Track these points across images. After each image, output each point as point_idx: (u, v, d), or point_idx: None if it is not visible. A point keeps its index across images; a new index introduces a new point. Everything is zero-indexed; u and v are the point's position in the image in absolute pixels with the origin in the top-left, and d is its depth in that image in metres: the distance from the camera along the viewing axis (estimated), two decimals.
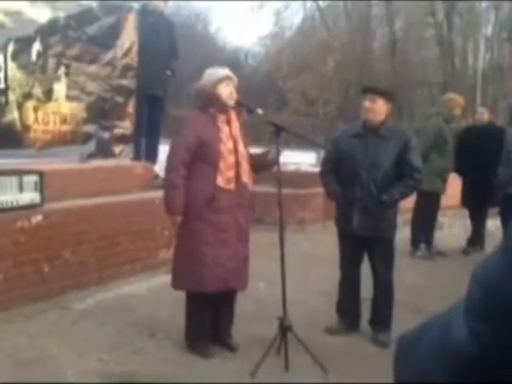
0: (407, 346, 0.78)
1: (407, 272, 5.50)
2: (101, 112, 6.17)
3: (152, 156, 6.93)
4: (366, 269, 4.32)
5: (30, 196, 4.47)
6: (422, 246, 6.81)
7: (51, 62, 5.51)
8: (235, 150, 3.70)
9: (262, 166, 3.92)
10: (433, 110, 7.46)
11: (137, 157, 6.78)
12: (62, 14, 5.56)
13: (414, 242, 6.88)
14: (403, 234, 6.51)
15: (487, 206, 7.05)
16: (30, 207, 4.46)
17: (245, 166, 3.74)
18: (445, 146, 6.63)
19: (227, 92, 3.72)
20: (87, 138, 6.05)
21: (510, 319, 0.64)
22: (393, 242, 4.23)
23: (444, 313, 0.75)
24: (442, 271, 6.14)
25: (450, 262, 6.65)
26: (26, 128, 5.32)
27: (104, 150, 6.24)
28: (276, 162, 3.80)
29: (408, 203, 6.23)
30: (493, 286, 0.67)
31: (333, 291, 4.42)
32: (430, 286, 5.55)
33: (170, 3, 7.67)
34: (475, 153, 6.65)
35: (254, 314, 4.44)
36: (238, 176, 3.70)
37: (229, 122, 3.74)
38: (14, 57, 5.09)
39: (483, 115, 7.11)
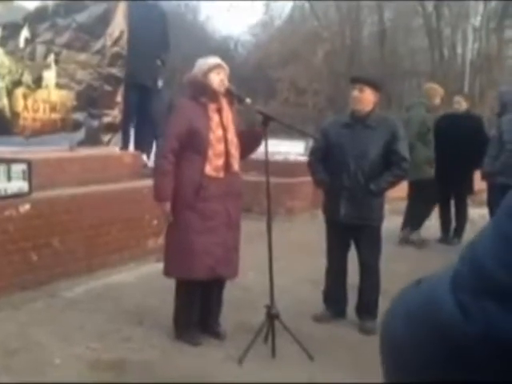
0: (392, 322, 0.78)
1: (395, 261, 5.54)
2: (90, 100, 6.15)
3: (141, 145, 6.92)
4: (353, 257, 4.36)
5: (18, 185, 4.46)
6: (417, 231, 6.89)
7: (40, 49, 5.48)
8: (225, 138, 3.71)
9: (253, 141, 3.89)
10: (414, 100, 7.50)
11: (125, 146, 6.77)
12: (50, 2, 5.52)
13: (407, 226, 6.92)
14: (391, 224, 6.56)
15: (465, 194, 7.14)
16: (18, 196, 4.46)
17: (234, 155, 3.76)
18: (428, 134, 6.68)
19: (218, 80, 3.73)
20: (77, 125, 6.03)
21: (497, 294, 0.65)
22: (380, 230, 4.27)
23: (426, 283, 0.75)
24: (431, 260, 6.19)
25: (438, 250, 6.71)
26: (16, 115, 5.29)
27: (92, 138, 6.23)
28: (264, 133, 3.79)
29: (396, 192, 6.27)
30: (481, 260, 0.68)
31: (320, 279, 4.45)
32: (417, 274, 5.58)
33: None
34: (450, 141, 6.68)
35: (242, 301, 4.48)
36: (227, 164, 3.72)
37: (220, 111, 3.75)
38: (2, 43, 5.06)
39: (460, 104, 7.14)
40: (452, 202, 7.30)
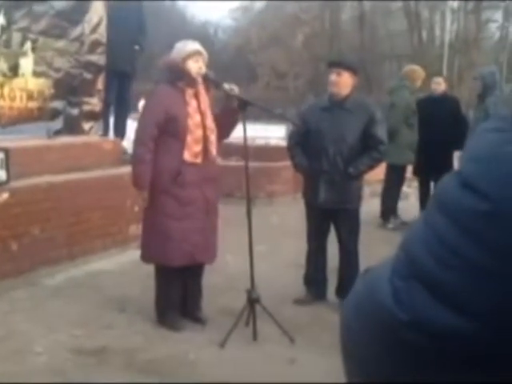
0: (345, 307, 0.81)
1: (375, 243, 5.60)
2: (69, 88, 6.09)
3: (120, 131, 6.90)
4: (332, 240, 4.40)
5: None
6: (392, 218, 6.95)
7: (16, 36, 5.40)
8: (203, 124, 3.70)
9: (229, 121, 3.86)
10: (395, 83, 7.49)
11: (105, 133, 6.74)
12: None
13: (384, 215, 7.00)
14: (371, 206, 6.62)
15: (445, 175, 7.19)
16: None
17: (213, 140, 3.75)
18: (413, 117, 6.73)
19: (196, 67, 3.70)
20: (55, 114, 5.98)
21: (426, 282, 0.67)
22: (358, 213, 4.32)
23: (371, 270, 0.80)
24: None
25: None
26: None
27: (72, 127, 6.18)
28: (242, 117, 3.77)
29: (375, 175, 6.32)
30: (413, 248, 0.71)
31: (301, 263, 4.49)
32: None
33: None
34: (430, 122, 6.73)
35: (223, 286, 4.51)
36: (205, 150, 3.71)
37: (197, 96, 3.74)
38: None
39: (439, 85, 7.17)
40: (432, 184, 7.37)
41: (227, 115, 3.83)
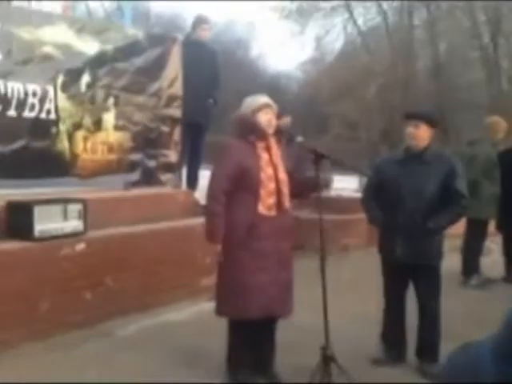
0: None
1: (457, 301, 5.33)
2: (147, 141, 6.26)
3: (192, 182, 6.98)
4: (411, 296, 4.20)
5: (73, 224, 4.54)
6: (475, 274, 6.63)
7: (100, 92, 5.64)
8: (275, 176, 3.68)
9: (307, 190, 3.88)
10: (477, 135, 7.27)
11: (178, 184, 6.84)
12: (109, 47, 5.70)
13: (466, 271, 6.70)
14: (451, 262, 6.33)
15: None
16: (74, 235, 4.53)
17: (285, 192, 3.72)
18: (494, 171, 6.48)
19: (266, 120, 3.72)
20: (133, 166, 6.13)
21: None
22: (439, 269, 4.11)
23: (469, 351, 0.76)
24: (493, 300, 5.92)
25: (502, 289, 6.41)
26: (75, 157, 5.43)
27: (149, 179, 6.31)
28: (316, 169, 3.74)
29: (455, 229, 6.06)
30: None
31: (377, 319, 4.31)
32: (481, 315, 5.34)
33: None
34: None
35: (297, 342, 4.36)
36: (278, 202, 3.68)
37: (268, 149, 3.73)
38: (64, 88, 5.23)
39: None
40: None
41: (305, 188, 3.85)
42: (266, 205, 3.63)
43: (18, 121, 4.86)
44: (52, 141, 5.20)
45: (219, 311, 3.81)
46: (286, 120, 7.19)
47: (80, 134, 5.45)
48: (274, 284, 3.67)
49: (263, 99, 3.81)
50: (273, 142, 3.77)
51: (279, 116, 7.05)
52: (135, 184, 6.07)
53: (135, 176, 6.12)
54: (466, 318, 5.15)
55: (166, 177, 6.50)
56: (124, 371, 3.84)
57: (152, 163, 6.35)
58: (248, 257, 3.64)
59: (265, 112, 3.73)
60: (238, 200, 3.64)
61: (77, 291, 4.49)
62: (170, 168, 6.56)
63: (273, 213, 3.66)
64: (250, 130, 3.72)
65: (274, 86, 22.98)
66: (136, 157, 6.15)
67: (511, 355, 0.66)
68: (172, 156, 6.56)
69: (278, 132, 3.78)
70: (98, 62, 5.58)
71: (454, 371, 0.77)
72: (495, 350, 0.69)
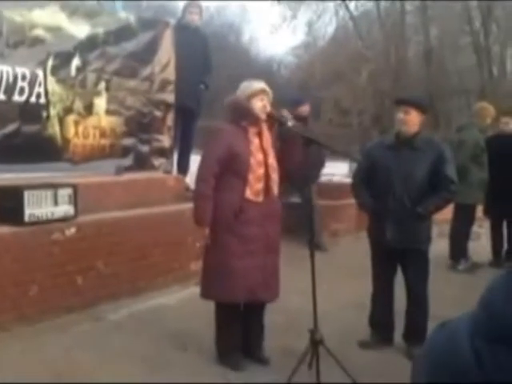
0: (419, 361, 0.83)
1: (445, 285, 5.39)
2: (139, 126, 6.24)
3: (183, 168, 6.98)
4: (399, 281, 4.25)
5: (64, 209, 4.54)
6: (462, 259, 6.70)
7: (91, 76, 5.60)
8: (265, 162, 3.69)
9: (292, 162, 3.87)
10: (465, 121, 7.33)
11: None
12: (101, 30, 5.65)
13: (454, 256, 6.76)
14: (439, 247, 6.39)
15: None
16: (65, 220, 4.54)
17: (274, 178, 3.74)
18: (482, 156, 6.52)
19: (260, 106, 3.71)
20: (126, 151, 6.11)
21: (510, 340, 0.64)
22: (427, 254, 4.16)
23: (449, 325, 0.79)
24: (480, 284, 5.99)
25: (489, 274, 6.48)
26: (66, 142, 5.40)
27: (142, 164, 6.29)
28: (306, 155, 3.75)
29: (443, 215, 6.12)
30: (496, 307, 0.67)
31: (366, 303, 4.36)
32: (468, 299, 5.41)
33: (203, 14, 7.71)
34: (502, 162, 6.50)
35: (285, 326, 4.41)
36: (267, 188, 3.70)
37: (260, 134, 3.74)
38: (54, 72, 5.18)
39: (507, 125, 6.92)
40: (504, 224, 7.07)
41: (290, 153, 3.81)
42: (253, 190, 3.65)
43: (8, 105, 4.83)
44: (43, 125, 5.16)
45: (205, 294, 3.85)
46: (305, 108, 7.18)
47: (71, 119, 5.42)
48: (259, 269, 3.70)
49: (259, 85, 3.79)
50: (265, 127, 3.77)
51: (299, 103, 7.12)
52: (128, 169, 6.05)
53: (128, 161, 6.10)
54: (453, 301, 5.20)
55: (159, 162, 6.50)
56: (115, 354, 3.87)
57: (145, 148, 6.34)
58: (235, 241, 3.66)
59: (260, 98, 3.72)
60: (226, 184, 3.66)
61: (68, 276, 4.50)
62: (163, 153, 6.55)
63: (260, 198, 3.67)
64: (243, 115, 3.71)
65: (265, 71, 22.89)
66: (129, 142, 6.13)
67: (486, 333, 0.67)
68: (165, 141, 6.55)
69: (270, 117, 3.78)
70: (88, 45, 5.53)
71: (433, 346, 0.80)
72: (471, 327, 0.71)
